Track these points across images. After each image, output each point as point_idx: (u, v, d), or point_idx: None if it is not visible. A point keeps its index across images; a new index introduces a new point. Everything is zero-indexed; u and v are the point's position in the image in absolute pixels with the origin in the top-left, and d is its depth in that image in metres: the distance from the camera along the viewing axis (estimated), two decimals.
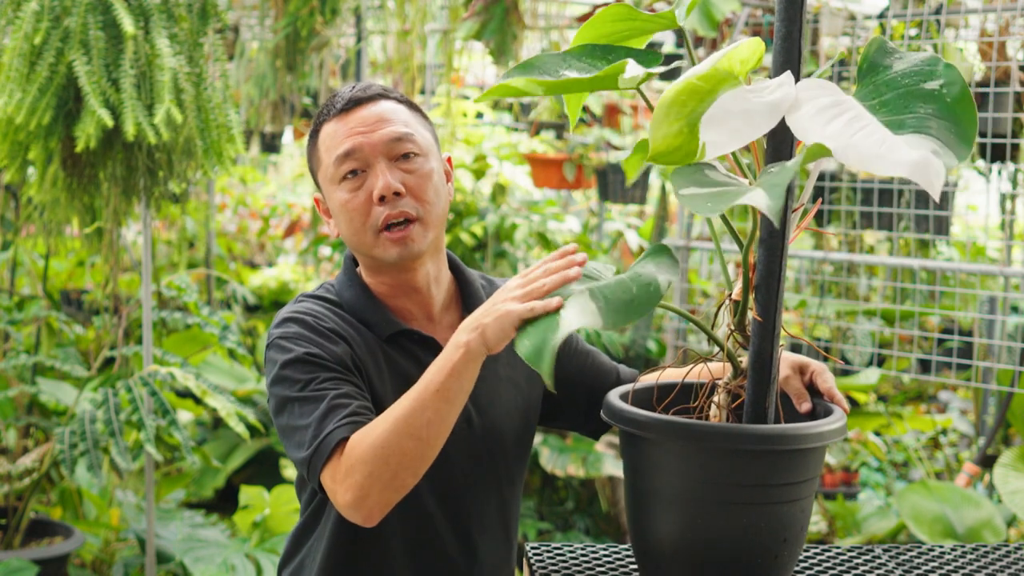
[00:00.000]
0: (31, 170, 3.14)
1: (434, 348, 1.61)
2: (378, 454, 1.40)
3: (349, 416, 1.47)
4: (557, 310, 1.29)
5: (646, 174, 4.71)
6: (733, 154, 1.38)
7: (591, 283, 1.33)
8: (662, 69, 1.34)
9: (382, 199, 1.57)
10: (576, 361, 1.75)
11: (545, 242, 4.42)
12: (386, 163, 1.58)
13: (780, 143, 1.28)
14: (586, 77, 1.33)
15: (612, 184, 4.53)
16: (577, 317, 1.27)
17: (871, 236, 4.77)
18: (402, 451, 1.40)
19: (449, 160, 1.71)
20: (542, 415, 1.78)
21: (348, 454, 1.43)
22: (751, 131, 1.19)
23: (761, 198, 1.12)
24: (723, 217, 1.33)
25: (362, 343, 1.59)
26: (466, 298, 1.70)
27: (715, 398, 1.40)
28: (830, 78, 3.59)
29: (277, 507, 3.76)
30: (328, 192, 1.62)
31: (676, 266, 1.33)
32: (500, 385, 1.68)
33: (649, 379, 1.51)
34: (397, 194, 1.57)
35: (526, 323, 1.32)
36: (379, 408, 1.53)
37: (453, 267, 1.72)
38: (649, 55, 1.40)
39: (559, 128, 4.82)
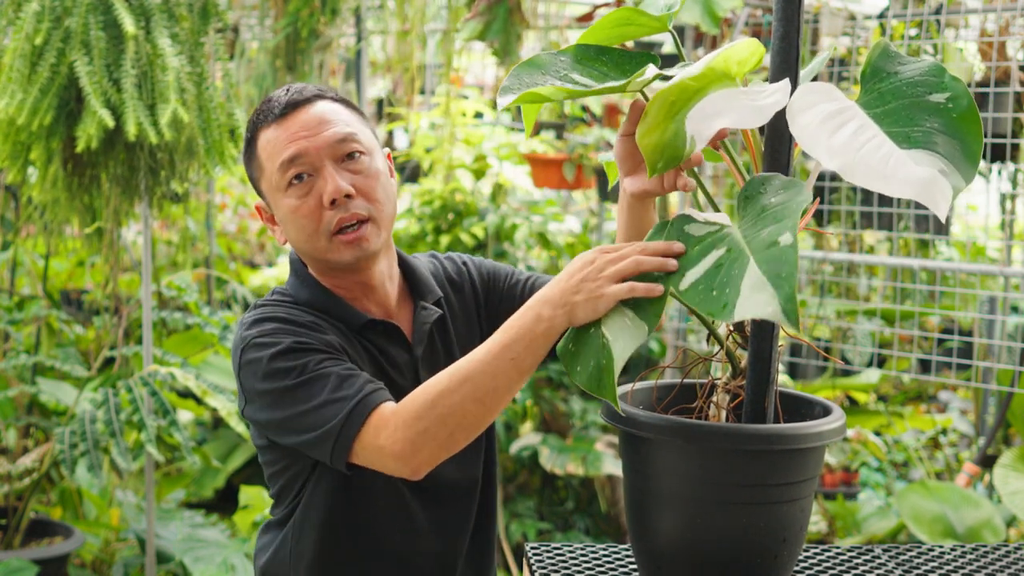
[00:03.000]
0: (32, 170, 3.14)
1: (397, 336, 1.63)
2: (438, 413, 1.37)
3: (368, 382, 1.45)
4: (658, 297, 1.25)
5: None
6: (731, 155, 1.38)
7: None
8: (676, 71, 1.33)
9: (333, 203, 1.54)
10: (514, 290, 1.73)
11: (545, 242, 4.42)
12: (333, 165, 1.55)
13: (778, 146, 1.28)
14: (616, 84, 1.33)
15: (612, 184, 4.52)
16: (624, 343, 1.25)
17: (871, 236, 4.77)
18: (464, 413, 1.37)
19: (389, 156, 1.69)
20: None
21: (399, 410, 1.40)
22: (736, 124, 1.19)
23: (769, 300, 1.09)
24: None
25: (339, 332, 1.58)
26: (414, 287, 1.70)
27: (714, 398, 1.40)
28: (828, 78, 3.59)
29: None
30: (274, 200, 1.59)
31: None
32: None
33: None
34: (348, 196, 1.54)
35: (566, 351, 1.31)
36: None
37: (400, 261, 1.71)
38: (646, 56, 1.41)
39: (559, 128, 4.82)
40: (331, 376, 1.45)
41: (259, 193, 1.63)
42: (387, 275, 1.66)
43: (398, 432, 1.39)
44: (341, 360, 1.50)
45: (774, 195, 1.20)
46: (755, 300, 1.10)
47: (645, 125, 1.26)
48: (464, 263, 1.79)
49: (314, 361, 1.48)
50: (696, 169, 1.40)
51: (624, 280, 1.29)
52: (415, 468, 1.40)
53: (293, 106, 1.57)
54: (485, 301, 1.74)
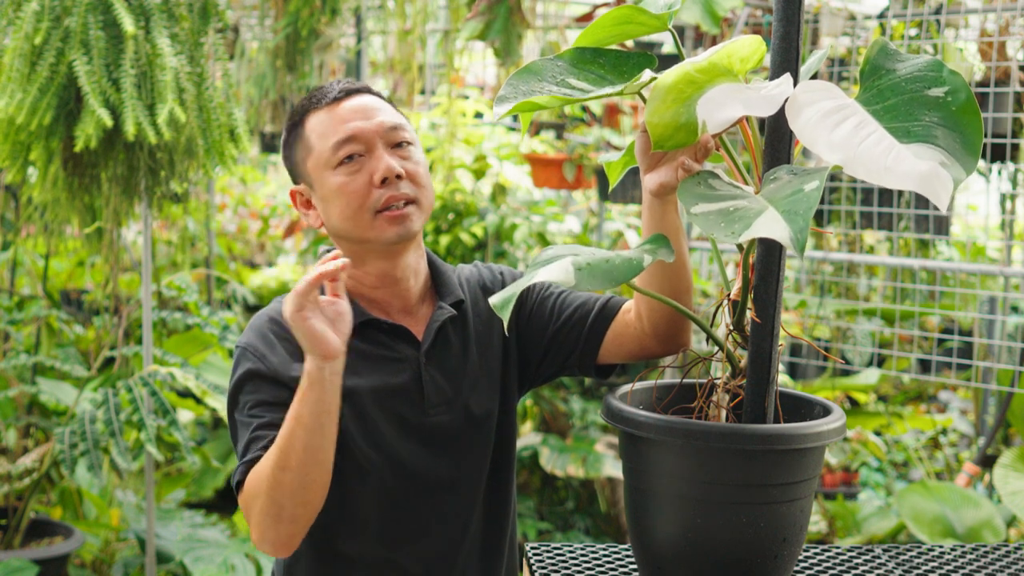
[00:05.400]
0: (32, 170, 3.14)
1: (404, 335, 1.65)
2: (262, 490, 1.48)
3: (259, 453, 1.54)
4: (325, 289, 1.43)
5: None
6: (731, 155, 1.38)
7: (578, 256, 1.32)
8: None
9: (384, 181, 1.60)
10: (545, 304, 1.75)
11: (545, 242, 4.42)
12: (385, 148, 1.63)
13: (779, 143, 1.28)
14: (613, 90, 1.33)
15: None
16: (548, 272, 1.27)
17: (871, 236, 4.77)
18: (280, 484, 1.46)
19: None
20: (542, 372, 1.76)
21: (243, 495, 1.52)
22: (748, 111, 1.19)
23: (781, 229, 1.10)
24: None
25: None
26: (439, 288, 1.72)
27: (714, 398, 1.40)
28: (828, 78, 3.59)
29: None
30: (319, 178, 1.64)
31: (670, 254, 1.32)
32: (473, 380, 1.69)
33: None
34: (398, 177, 1.61)
35: None
36: (351, 398, 1.58)
37: (428, 261, 1.75)
38: (643, 56, 1.40)
39: (559, 128, 4.82)
40: (250, 428, 1.56)
41: (298, 176, 1.69)
42: (413, 269, 1.69)
43: (248, 517, 1.51)
44: (275, 404, 1.57)
45: (795, 171, 1.22)
46: (767, 227, 1.12)
47: (653, 106, 1.27)
48: (500, 272, 1.83)
49: (250, 404, 1.58)
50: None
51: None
52: (271, 549, 1.51)
53: (346, 93, 1.66)
54: (516, 312, 1.76)
